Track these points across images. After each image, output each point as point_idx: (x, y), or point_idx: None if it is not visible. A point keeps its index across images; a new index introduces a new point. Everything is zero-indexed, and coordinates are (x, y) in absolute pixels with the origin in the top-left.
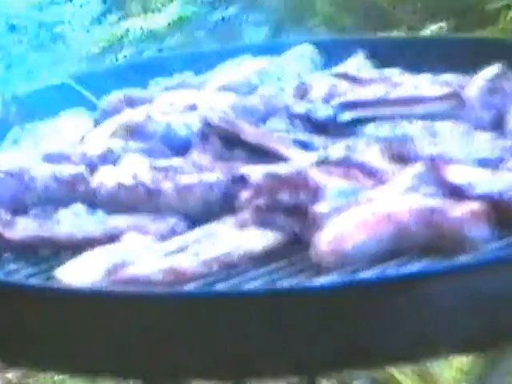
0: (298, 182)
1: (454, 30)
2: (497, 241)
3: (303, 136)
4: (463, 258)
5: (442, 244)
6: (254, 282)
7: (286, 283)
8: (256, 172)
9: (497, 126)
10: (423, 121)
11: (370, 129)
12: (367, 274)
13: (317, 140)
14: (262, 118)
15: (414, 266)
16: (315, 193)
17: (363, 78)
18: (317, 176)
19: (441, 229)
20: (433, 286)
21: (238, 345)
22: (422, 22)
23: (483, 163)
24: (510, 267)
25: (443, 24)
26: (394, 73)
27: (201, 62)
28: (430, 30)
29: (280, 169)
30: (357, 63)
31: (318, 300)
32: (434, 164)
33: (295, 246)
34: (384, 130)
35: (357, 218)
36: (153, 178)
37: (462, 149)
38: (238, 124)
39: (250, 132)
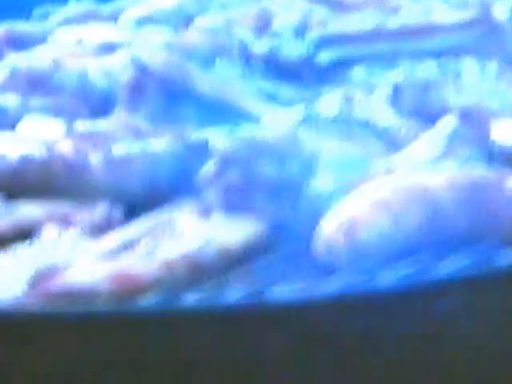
0: (282, 148)
1: None
2: None
3: (267, 85)
4: None
5: (492, 232)
6: (233, 291)
7: (278, 291)
8: (221, 136)
9: None
10: (438, 58)
11: (358, 73)
12: (391, 276)
13: (286, 90)
14: (206, 60)
15: (455, 264)
16: (308, 162)
17: (347, 1)
18: (308, 138)
19: (492, 209)
20: (479, 295)
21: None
22: None
23: None
24: None
25: None
26: None
27: None
28: None
29: (254, 131)
30: None
31: (329, 312)
32: (471, 117)
33: (284, 238)
34: (380, 73)
35: (373, 196)
36: (74, 147)
37: (497, 96)
38: (187, 70)
39: (203, 81)
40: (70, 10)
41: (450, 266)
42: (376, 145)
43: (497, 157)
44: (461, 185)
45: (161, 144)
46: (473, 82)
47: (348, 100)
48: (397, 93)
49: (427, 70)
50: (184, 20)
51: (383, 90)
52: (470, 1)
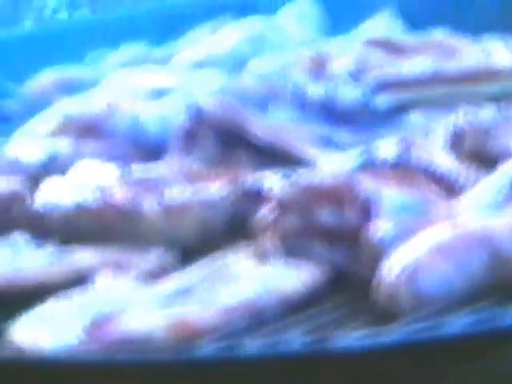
0: (341, 193)
1: None
2: None
3: (323, 129)
4: None
5: None
6: (293, 339)
7: (340, 339)
8: (277, 181)
9: None
10: (498, 102)
11: (416, 117)
12: (456, 324)
13: (343, 135)
14: (261, 104)
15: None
16: (366, 208)
17: (404, 44)
18: (366, 184)
19: None
20: None
21: None
22: None
23: None
24: None
25: None
26: (441, 36)
27: (160, 25)
28: None
29: (311, 176)
30: (384, 24)
31: (392, 359)
32: None
33: (343, 285)
34: (439, 118)
35: (434, 242)
36: (127, 193)
37: None
38: (242, 114)
39: (258, 125)
40: (123, 53)
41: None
42: (436, 190)
43: None
44: None
45: (215, 189)
46: None
47: (406, 144)
48: (456, 137)
49: (487, 113)
50: (238, 64)
51: (442, 135)
52: None
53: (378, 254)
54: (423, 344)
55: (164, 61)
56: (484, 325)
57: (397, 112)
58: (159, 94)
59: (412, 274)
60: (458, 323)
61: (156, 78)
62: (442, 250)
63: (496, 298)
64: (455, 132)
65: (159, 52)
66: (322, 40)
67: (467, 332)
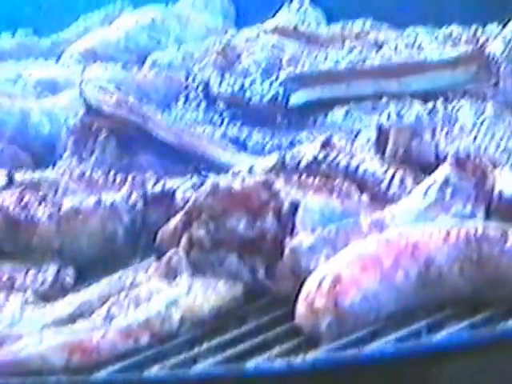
0: (257, 201)
1: None
2: None
3: (235, 130)
4: None
5: (495, 291)
6: (204, 362)
7: (256, 363)
8: (186, 188)
9: None
10: (428, 100)
11: (337, 116)
12: (381, 346)
13: (257, 136)
14: (164, 102)
15: (452, 334)
16: (286, 218)
17: (321, 36)
18: (286, 192)
19: (493, 268)
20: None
21: None
22: None
23: None
24: None
25: None
26: (364, 27)
27: (47, 12)
28: None
29: (224, 183)
30: (300, 13)
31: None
32: (471, 167)
33: (261, 302)
34: (364, 116)
35: (359, 255)
36: (16, 200)
37: (496, 142)
38: (143, 113)
39: (161, 126)
40: (4, 42)
41: (448, 331)
42: (360, 197)
43: (497, 209)
44: (456, 240)
45: (117, 195)
46: (468, 126)
47: (327, 146)
48: (382, 138)
49: (416, 112)
50: (135, 56)
51: (366, 135)
52: (456, 35)
53: (298, 268)
54: (343, 366)
55: (52, 52)
56: (411, 345)
57: (316, 110)
58: (49, 88)
59: (334, 288)
60: (383, 347)
61: (44, 70)
62: (366, 262)
63: (424, 320)
64: (380, 133)
65: (46, 42)
66: (230, 30)
67: (392, 352)
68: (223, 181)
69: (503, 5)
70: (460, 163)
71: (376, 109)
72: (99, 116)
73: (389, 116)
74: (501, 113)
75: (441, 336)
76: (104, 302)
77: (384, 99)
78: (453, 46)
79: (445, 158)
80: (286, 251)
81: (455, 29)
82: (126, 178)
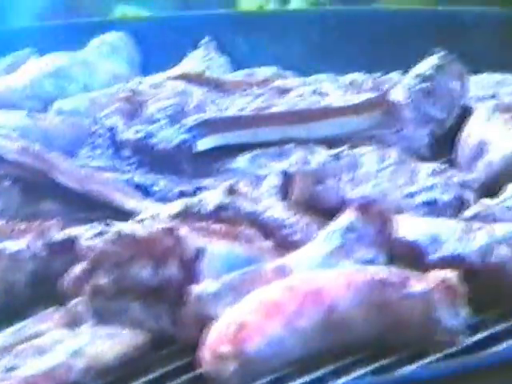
0: (161, 248)
1: None
2: (474, 329)
3: (140, 177)
4: (432, 363)
5: (397, 336)
6: None
7: None
8: (90, 236)
9: (440, 148)
10: (334, 146)
11: (242, 162)
12: None
13: (163, 182)
14: (69, 148)
15: (353, 381)
16: (190, 265)
17: (227, 81)
18: (190, 239)
19: (395, 313)
20: None
21: None
22: None
23: (431, 209)
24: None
25: None
26: (271, 72)
27: None
28: None
29: (128, 230)
30: (206, 60)
31: None
32: (374, 212)
33: (167, 350)
34: (269, 162)
35: (264, 301)
36: None
37: (398, 188)
38: (47, 160)
39: (66, 173)
40: None
41: (352, 376)
42: (264, 243)
43: (399, 254)
44: (358, 285)
45: (20, 243)
46: (372, 171)
47: (232, 192)
48: (286, 184)
49: (321, 158)
50: (41, 102)
51: (271, 181)
52: (359, 81)
53: (202, 315)
54: None
55: None
56: None
57: (221, 156)
58: None
59: (238, 334)
60: None
61: None
62: (270, 308)
63: (330, 366)
64: (285, 179)
65: None
66: (136, 77)
67: None
68: (128, 228)
69: (405, 53)
70: (363, 209)
71: (282, 155)
72: (3, 163)
73: (294, 162)
74: (404, 159)
75: (342, 382)
76: (6, 353)
77: (290, 145)
78: (356, 93)
79: (348, 203)
80: (191, 298)
81: (358, 76)
82: (30, 226)
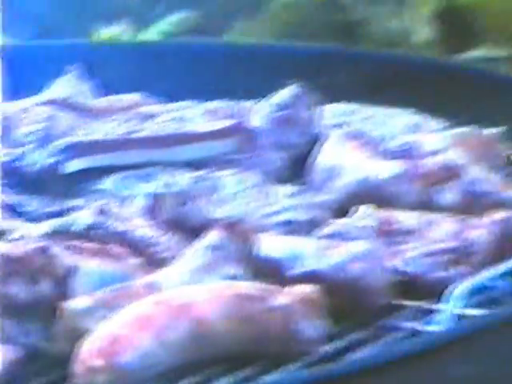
0: (34, 265)
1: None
2: (332, 339)
3: (10, 197)
4: (292, 370)
5: (261, 347)
6: None
7: None
8: None
9: (295, 172)
10: (195, 168)
11: (112, 183)
12: None
13: (33, 201)
14: None
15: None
16: (62, 281)
17: (95, 106)
18: (62, 256)
19: (259, 324)
20: None
21: None
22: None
23: (289, 228)
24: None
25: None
26: (136, 99)
27: None
28: (169, 24)
29: (1, 246)
30: (73, 86)
31: None
32: (237, 231)
33: (40, 364)
34: (136, 184)
35: (134, 315)
36: None
37: (258, 208)
38: None
39: None
40: None
41: None
42: (133, 260)
43: (261, 270)
44: (225, 299)
45: None
46: (232, 193)
47: (102, 212)
48: (154, 204)
49: (184, 180)
50: None
51: (139, 202)
52: (219, 109)
53: (75, 330)
54: None
55: None
56: None
57: (90, 178)
58: None
59: (109, 347)
60: None
61: None
62: (141, 323)
63: (201, 374)
64: (151, 199)
65: None
66: (4, 102)
67: None
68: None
69: (256, 84)
70: (228, 228)
71: (148, 176)
72: None
73: (161, 184)
74: (263, 181)
75: None
76: None
77: (155, 168)
78: (217, 120)
79: (213, 223)
80: (64, 313)
81: (217, 104)
82: None
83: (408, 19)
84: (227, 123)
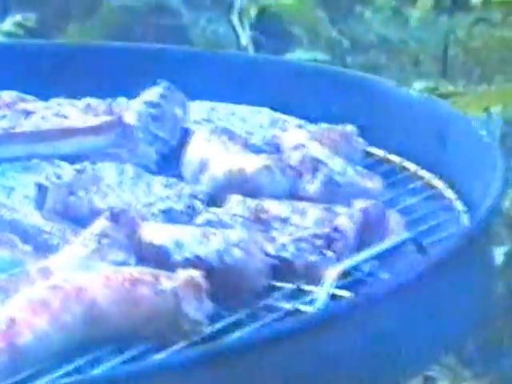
0: None
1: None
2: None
3: None
4: (177, 349)
5: (149, 328)
6: None
7: None
8: None
9: (167, 165)
10: (77, 162)
11: None
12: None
13: None
14: None
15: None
16: None
17: None
18: None
19: (148, 307)
20: None
21: None
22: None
23: (168, 216)
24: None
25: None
26: (13, 96)
27: None
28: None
29: None
30: None
31: None
32: (123, 220)
33: None
34: (18, 175)
35: (31, 299)
36: None
37: (136, 199)
38: None
39: None
40: None
41: (107, 365)
42: (25, 247)
43: (146, 256)
44: (115, 283)
45: None
46: (113, 184)
47: None
48: (41, 195)
49: (67, 172)
50: None
51: (23, 192)
52: (93, 106)
53: None
54: None
55: None
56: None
57: None
58: None
59: (9, 329)
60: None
61: None
62: (37, 305)
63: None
64: (39, 190)
65: None
66: None
67: None
68: None
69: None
70: (114, 216)
71: (28, 169)
72: None
73: (45, 175)
74: (140, 173)
75: (97, 372)
76: None
77: (36, 160)
78: (94, 116)
79: (98, 212)
80: None
81: (92, 101)
82: None
83: (233, 24)
84: (105, 119)
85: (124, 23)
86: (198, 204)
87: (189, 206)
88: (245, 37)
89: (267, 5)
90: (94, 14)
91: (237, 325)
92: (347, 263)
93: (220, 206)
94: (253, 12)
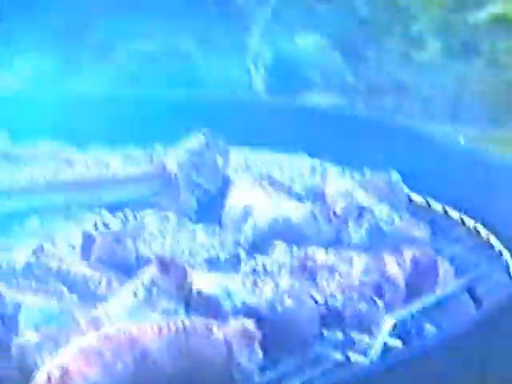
0: None
1: None
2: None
3: None
4: None
5: (203, 378)
6: None
7: None
8: None
9: (206, 211)
10: (120, 210)
11: (35, 224)
12: None
13: None
14: None
15: None
16: (11, 318)
17: (15, 153)
18: (7, 294)
19: (201, 357)
20: None
21: None
22: None
23: (213, 265)
24: None
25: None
26: (55, 146)
27: None
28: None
29: None
30: None
31: None
32: (172, 268)
33: None
34: (60, 224)
35: (85, 350)
36: None
37: (181, 247)
38: None
39: None
40: None
41: None
42: (72, 296)
43: (196, 305)
44: (167, 334)
45: None
46: (156, 232)
47: (38, 252)
48: (88, 244)
49: (111, 220)
50: None
51: (71, 241)
52: (140, 155)
53: (25, 364)
54: None
55: None
56: None
57: (15, 219)
58: None
59: (61, 378)
60: None
61: None
62: (88, 354)
63: None
64: (85, 238)
65: None
66: None
67: None
68: None
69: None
70: (163, 266)
71: (70, 217)
72: None
73: (91, 224)
74: (182, 220)
75: None
76: None
77: (81, 209)
78: (135, 165)
79: (145, 260)
80: (13, 350)
81: (134, 150)
82: None
83: (248, 69)
84: (147, 168)
85: (137, 66)
86: (242, 252)
87: (233, 255)
88: (259, 80)
89: (282, 48)
90: (107, 58)
91: (287, 374)
92: (402, 313)
93: (263, 254)
94: (267, 55)
